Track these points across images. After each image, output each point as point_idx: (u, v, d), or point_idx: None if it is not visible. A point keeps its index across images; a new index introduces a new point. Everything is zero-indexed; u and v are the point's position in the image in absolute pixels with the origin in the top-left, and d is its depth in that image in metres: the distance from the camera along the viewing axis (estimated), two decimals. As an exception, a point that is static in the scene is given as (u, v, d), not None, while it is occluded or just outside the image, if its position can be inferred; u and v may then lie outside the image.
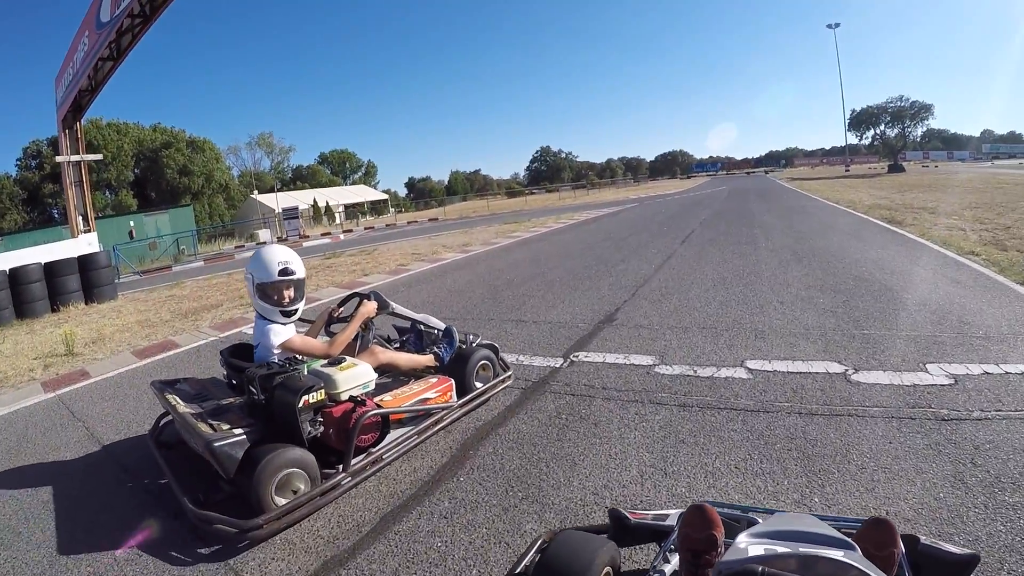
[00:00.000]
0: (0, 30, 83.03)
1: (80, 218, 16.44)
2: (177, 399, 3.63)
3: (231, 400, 3.63)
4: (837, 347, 4.66)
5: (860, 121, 61.67)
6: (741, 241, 11.42)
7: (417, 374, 4.23)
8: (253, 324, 3.87)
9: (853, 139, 65.39)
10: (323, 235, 32.72)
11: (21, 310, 12.04)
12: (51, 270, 12.70)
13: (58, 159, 17.47)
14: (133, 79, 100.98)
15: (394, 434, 3.55)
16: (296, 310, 3.77)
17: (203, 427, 3.14)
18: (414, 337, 4.70)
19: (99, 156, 21.71)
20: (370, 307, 4.09)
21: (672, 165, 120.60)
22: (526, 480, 3.12)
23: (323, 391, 3.22)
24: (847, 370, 4.17)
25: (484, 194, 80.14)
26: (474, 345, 4.52)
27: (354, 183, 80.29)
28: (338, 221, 48.18)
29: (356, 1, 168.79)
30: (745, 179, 62.31)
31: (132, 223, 34.30)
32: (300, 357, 3.69)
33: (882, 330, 4.99)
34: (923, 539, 1.87)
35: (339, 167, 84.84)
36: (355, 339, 4.14)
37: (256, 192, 55.99)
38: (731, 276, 7.92)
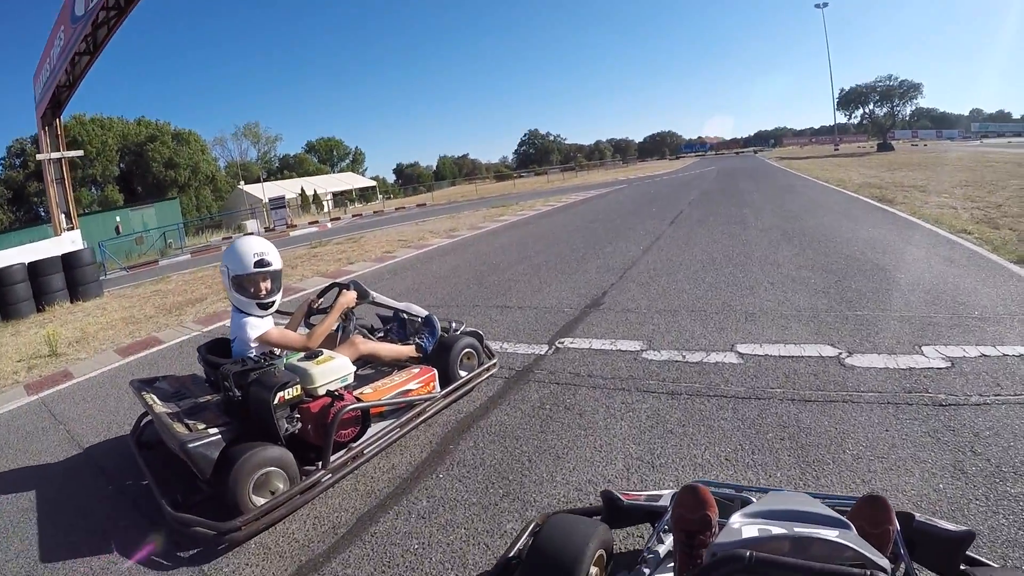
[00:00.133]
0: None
1: (63, 216, 16.22)
2: (155, 398, 3.55)
3: (208, 398, 3.56)
4: (830, 329, 4.55)
5: (849, 100, 61.62)
6: (730, 221, 11.30)
7: (400, 364, 4.14)
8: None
9: (842, 118, 65.37)
10: (311, 224, 32.58)
11: (6, 311, 11.88)
12: (35, 270, 12.51)
13: (39, 157, 17.23)
14: (115, 74, 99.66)
15: (375, 428, 3.47)
16: (273, 302, 3.68)
17: (178, 427, 3.06)
18: (397, 326, 4.61)
19: (80, 152, 21.41)
20: (349, 297, 4.01)
21: (661, 146, 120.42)
22: (507, 476, 3.00)
23: (299, 386, 3.13)
24: (840, 353, 4.05)
25: (473, 178, 79.82)
26: (458, 333, 4.44)
27: (342, 171, 79.60)
28: (326, 209, 47.84)
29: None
30: (734, 159, 62.09)
31: (118, 218, 33.92)
32: (278, 351, 3.61)
33: (875, 311, 4.88)
34: (918, 516, 1.85)
35: (326, 155, 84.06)
36: (336, 330, 4.08)
37: (243, 183, 55.55)
38: (720, 257, 7.81)
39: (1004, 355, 3.77)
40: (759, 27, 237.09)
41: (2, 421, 5.50)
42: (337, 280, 4.40)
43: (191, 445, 2.84)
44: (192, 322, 8.52)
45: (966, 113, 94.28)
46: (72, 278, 13.12)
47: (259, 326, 3.57)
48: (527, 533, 2.14)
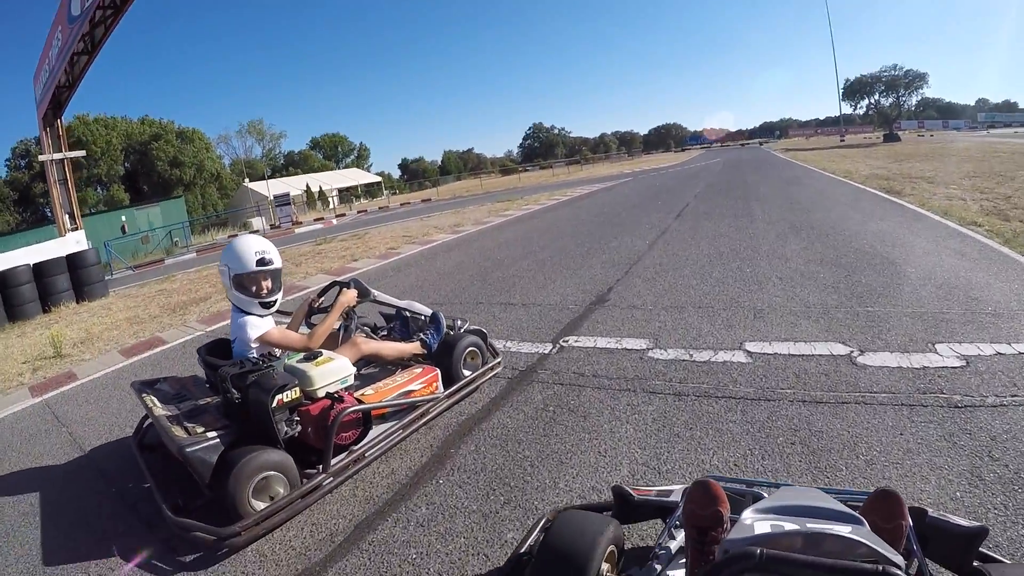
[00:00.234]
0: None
1: (67, 216, 16.24)
2: (155, 400, 3.53)
3: (208, 400, 3.53)
4: (840, 326, 4.43)
5: (854, 91, 61.06)
6: (737, 214, 11.15)
7: (404, 363, 4.09)
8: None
9: (847, 109, 64.69)
10: (316, 220, 32.47)
11: (12, 313, 11.91)
12: (40, 271, 12.55)
13: (40, 158, 17.29)
14: (118, 73, 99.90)
15: (377, 430, 3.41)
16: (275, 300, 3.66)
17: (177, 431, 3.04)
18: (400, 324, 4.56)
19: (82, 153, 21.43)
20: (350, 296, 3.96)
21: (666, 138, 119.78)
22: (509, 482, 2.92)
23: (298, 389, 3.09)
24: (852, 352, 3.93)
25: (478, 173, 79.62)
26: (461, 331, 4.38)
27: (347, 167, 79.61)
28: (332, 206, 47.91)
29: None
30: (739, 151, 61.77)
31: (124, 218, 34.08)
32: (278, 352, 3.58)
33: (887, 307, 4.76)
34: (931, 511, 1.83)
35: (331, 151, 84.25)
36: (338, 330, 4.02)
37: (248, 180, 55.64)
38: (728, 251, 7.69)
39: (1020, 353, 3.65)
40: (763, 18, 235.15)
41: (6, 423, 5.51)
42: (338, 279, 4.34)
43: (189, 449, 2.82)
44: (196, 321, 8.51)
45: (972, 103, 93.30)
46: (77, 278, 13.14)
47: (259, 326, 3.53)
48: (538, 529, 2.15)
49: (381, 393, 3.50)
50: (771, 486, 2.07)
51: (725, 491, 1.81)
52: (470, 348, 4.13)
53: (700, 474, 2.76)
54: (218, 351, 3.74)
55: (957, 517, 1.83)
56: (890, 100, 59.40)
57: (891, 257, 6.36)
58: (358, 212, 36.83)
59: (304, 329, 4.10)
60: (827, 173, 19.54)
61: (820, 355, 3.94)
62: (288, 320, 4.19)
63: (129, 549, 2.93)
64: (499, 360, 4.35)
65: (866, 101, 61.40)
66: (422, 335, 4.20)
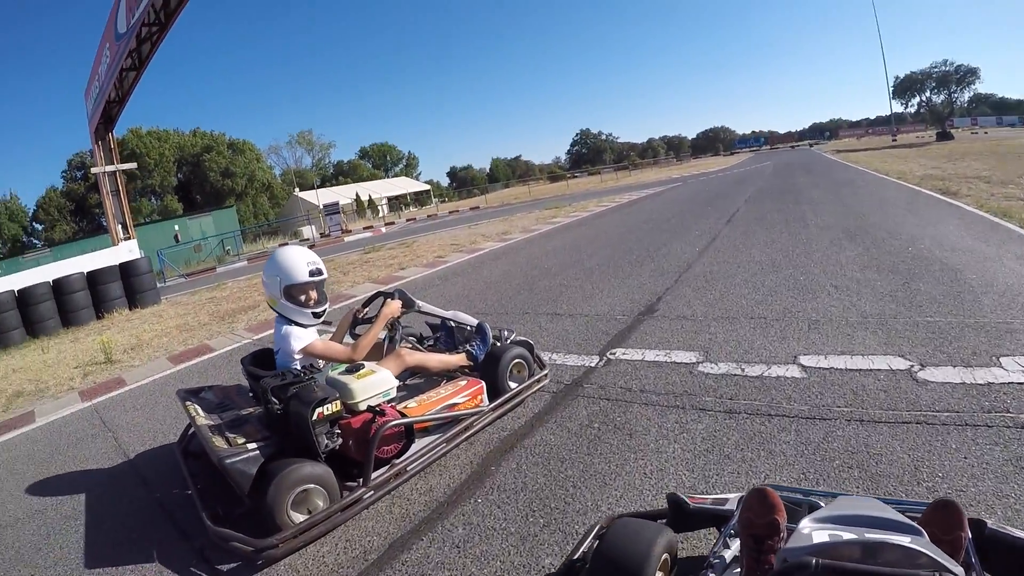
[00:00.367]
0: (42, 50, 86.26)
1: (119, 226, 16.72)
2: (198, 409, 3.56)
3: (251, 410, 3.54)
4: (899, 338, 4.16)
5: (904, 88, 59.29)
6: (789, 219, 10.76)
7: (450, 375, 4.04)
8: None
9: (898, 107, 62.90)
10: (365, 229, 32.90)
11: (66, 319, 12.38)
12: (94, 278, 13.02)
13: (93, 170, 17.86)
14: (170, 88, 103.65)
15: (419, 443, 3.36)
16: (324, 311, 3.67)
17: (218, 441, 3.06)
18: (445, 335, 4.52)
19: (133, 165, 22.09)
20: (394, 307, 3.91)
21: (714, 142, 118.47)
22: (550, 503, 2.81)
23: (339, 402, 3.06)
24: (912, 366, 3.67)
25: (526, 180, 79.44)
26: (508, 342, 4.30)
27: (396, 175, 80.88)
28: (382, 214, 48.56)
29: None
30: (789, 153, 60.26)
31: (177, 227, 35.04)
32: (321, 363, 3.60)
33: (947, 316, 4.47)
34: (990, 523, 1.75)
35: (380, 160, 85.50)
36: (383, 340, 4.00)
37: (298, 190, 56.80)
38: (780, 258, 7.40)
39: (1094, 367, 3.37)
40: (809, 16, 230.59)
41: (55, 427, 5.69)
42: (382, 289, 4.31)
43: (229, 461, 2.82)
44: (243, 330, 8.63)
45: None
46: (130, 286, 13.57)
47: (303, 337, 3.50)
48: (591, 536, 2.14)
49: (424, 406, 3.45)
50: (828, 496, 2.01)
51: (782, 500, 1.77)
52: (516, 360, 4.04)
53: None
54: (261, 361, 3.74)
55: (1018, 530, 1.75)
56: (941, 97, 57.55)
57: (950, 263, 6.01)
58: (407, 220, 37.14)
59: (348, 340, 4.07)
60: (880, 175, 18.84)
61: (878, 370, 3.70)
62: (332, 330, 4.18)
63: (163, 557, 2.97)
64: (546, 372, 4.24)
65: (917, 99, 59.67)
66: (468, 346, 4.15)
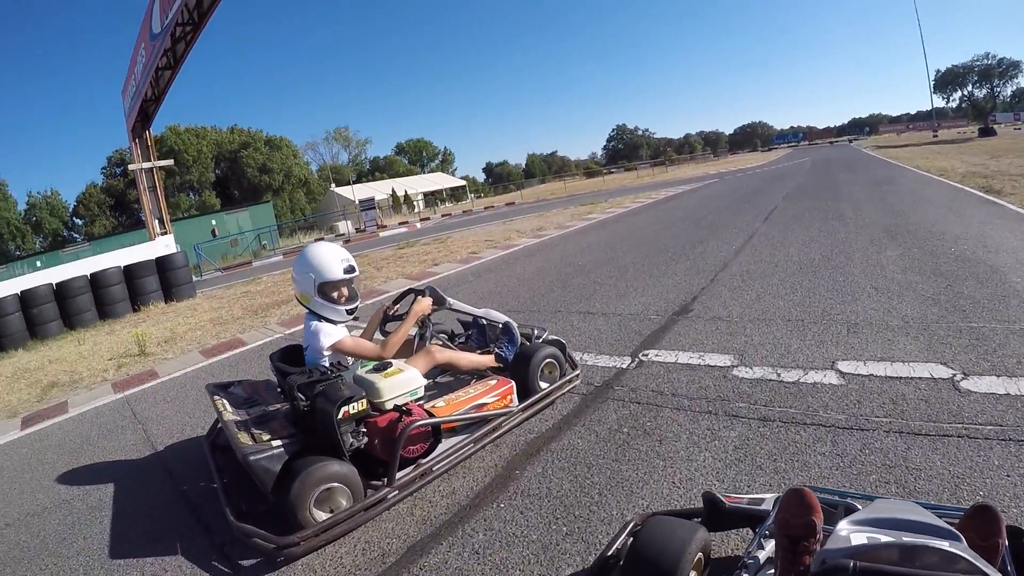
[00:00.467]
0: (84, 49, 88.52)
1: (156, 221, 17.05)
2: (226, 404, 3.57)
3: (278, 406, 3.54)
4: (942, 344, 3.97)
5: (946, 82, 58.06)
6: (828, 217, 10.50)
7: (480, 374, 4.00)
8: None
9: (939, 102, 61.55)
10: (400, 224, 33.08)
11: (103, 311, 12.68)
12: (131, 272, 13.31)
13: (131, 167, 18.24)
14: (207, 85, 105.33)
15: (446, 443, 3.32)
16: (356, 307, 3.68)
17: (243, 437, 3.06)
18: (477, 333, 4.47)
19: (170, 162, 22.44)
20: (424, 304, 3.88)
21: (752, 137, 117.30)
22: (574, 511, 2.73)
23: (365, 400, 3.03)
24: (955, 375, 3.49)
25: (562, 175, 79.16)
26: (540, 341, 4.22)
27: (432, 171, 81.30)
28: (417, 209, 48.82)
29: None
30: (828, 149, 59.13)
31: (214, 222, 35.52)
32: (350, 360, 3.63)
33: (992, 322, 4.25)
34: None
35: (416, 156, 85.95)
36: (415, 338, 3.98)
37: (334, 185, 57.38)
38: (819, 258, 7.20)
39: None
40: (848, 9, 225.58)
41: (87, 417, 5.81)
42: (413, 286, 4.26)
43: (253, 458, 2.82)
44: (276, 324, 8.72)
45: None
46: (166, 280, 13.86)
47: (332, 334, 3.50)
48: (625, 533, 2.14)
49: (452, 406, 3.40)
50: (865, 498, 2.00)
51: (819, 501, 1.75)
52: (548, 360, 3.97)
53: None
54: (291, 357, 3.73)
55: None
56: (984, 91, 55.99)
57: (995, 265, 5.76)
58: (442, 216, 37.29)
59: (379, 336, 4.05)
60: (921, 171, 18.33)
61: (919, 378, 3.53)
62: (363, 326, 4.19)
63: (185, 551, 2.99)
64: (577, 372, 4.16)
65: (958, 93, 58.21)
66: (495, 347, 4.11)
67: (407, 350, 3.90)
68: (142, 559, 2.99)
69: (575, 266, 9.39)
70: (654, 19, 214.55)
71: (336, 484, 2.85)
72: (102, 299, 12.71)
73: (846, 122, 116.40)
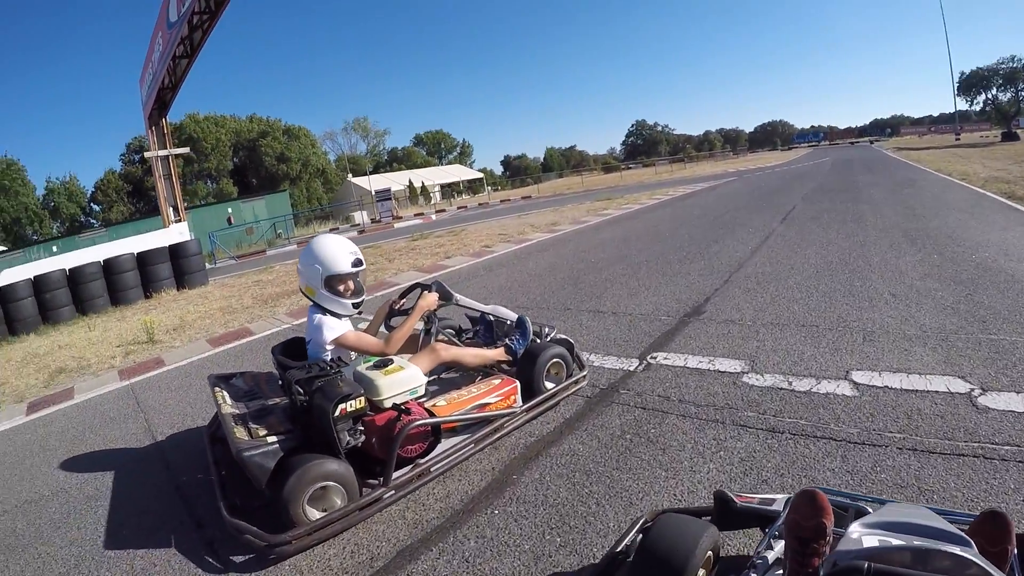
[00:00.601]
0: (104, 36, 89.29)
1: (171, 209, 17.16)
2: (225, 396, 3.54)
3: (277, 400, 3.48)
4: (960, 357, 3.82)
5: (970, 85, 57.12)
6: (847, 219, 10.31)
7: (485, 371, 3.94)
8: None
9: (963, 105, 60.55)
10: (416, 216, 33.11)
11: (115, 297, 12.76)
12: (144, 259, 13.39)
13: (146, 155, 18.40)
14: (228, 74, 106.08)
15: (446, 443, 3.26)
16: (362, 301, 3.63)
17: (239, 432, 3.01)
18: (484, 329, 4.40)
19: (185, 149, 22.56)
20: (430, 299, 3.82)
21: (772, 136, 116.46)
22: (569, 521, 2.64)
23: (363, 398, 2.97)
24: (972, 390, 3.34)
25: (580, 170, 78.99)
26: (548, 339, 4.15)
27: (449, 163, 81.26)
28: (434, 201, 48.82)
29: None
30: (849, 149, 58.41)
31: (230, 210, 35.67)
32: (353, 355, 3.59)
33: (1012, 335, 4.09)
34: None
35: (434, 148, 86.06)
36: (420, 333, 3.94)
37: (351, 175, 57.54)
38: (836, 261, 7.04)
39: None
40: (872, 9, 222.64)
41: (91, 404, 5.82)
42: (420, 280, 4.20)
43: (247, 454, 2.78)
44: (284, 314, 8.70)
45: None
46: (179, 267, 13.92)
47: (336, 328, 3.45)
48: (635, 529, 2.14)
49: (453, 405, 3.33)
50: (876, 502, 2.00)
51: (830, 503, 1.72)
52: (555, 359, 3.88)
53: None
54: (293, 350, 3.69)
55: None
56: (1008, 95, 55.06)
57: (1016, 274, 5.57)
58: (458, 208, 37.30)
59: (384, 331, 4.00)
60: (942, 175, 18.01)
61: (936, 391, 3.38)
62: (370, 318, 4.14)
63: (177, 544, 2.98)
64: (584, 373, 4.06)
65: (982, 96, 57.26)
66: (507, 340, 4.02)
67: (412, 346, 3.85)
68: (133, 551, 2.97)
69: (588, 263, 9.29)
70: (675, 16, 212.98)
71: (331, 483, 2.79)
72: (114, 285, 12.78)
73: (867, 123, 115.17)
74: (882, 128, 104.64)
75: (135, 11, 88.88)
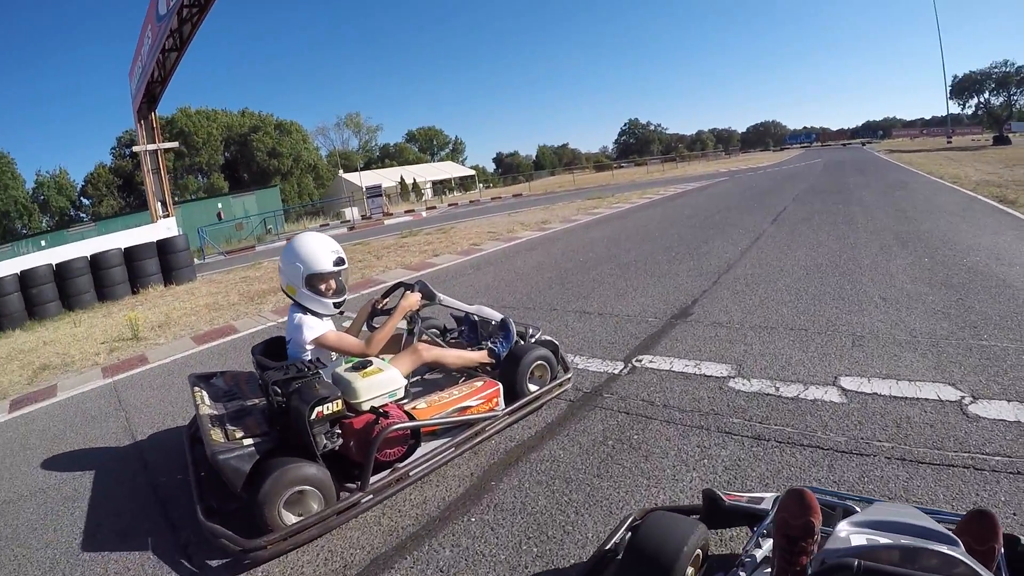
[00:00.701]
0: (94, 29, 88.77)
1: (159, 204, 17.04)
2: (204, 396, 3.49)
3: (256, 402, 3.42)
4: (951, 363, 3.76)
5: (962, 89, 57.56)
6: (838, 221, 10.30)
7: (468, 373, 3.87)
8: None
9: (955, 108, 60.92)
10: (406, 212, 32.92)
11: (102, 293, 12.63)
12: (131, 254, 13.27)
13: (135, 149, 18.27)
14: (219, 68, 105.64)
15: (426, 447, 3.20)
16: (344, 300, 3.56)
17: (215, 434, 2.95)
18: (468, 329, 4.34)
19: (175, 144, 22.44)
20: (413, 299, 3.74)
21: (765, 136, 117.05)
22: (547, 530, 2.57)
23: (340, 401, 2.89)
24: (963, 397, 3.29)
25: (572, 168, 78.82)
26: (532, 341, 4.08)
27: (442, 160, 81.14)
28: (425, 198, 48.71)
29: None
30: (841, 151, 58.51)
31: (220, 205, 35.49)
32: (334, 356, 3.52)
33: (1003, 340, 4.04)
34: None
35: (426, 144, 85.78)
36: (404, 334, 3.87)
37: (343, 171, 57.34)
38: (826, 263, 7.00)
39: None
40: (866, 11, 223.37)
41: (73, 402, 5.74)
42: (403, 280, 4.14)
43: (222, 457, 2.73)
44: (270, 312, 8.61)
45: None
46: (166, 263, 13.79)
47: (316, 328, 3.38)
48: (624, 527, 2.15)
49: (434, 408, 3.27)
50: (864, 501, 2.01)
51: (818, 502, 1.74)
52: (538, 361, 3.81)
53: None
54: (273, 349, 3.63)
55: None
56: (1000, 99, 55.38)
57: (1007, 278, 5.54)
58: (449, 205, 37.16)
59: (366, 331, 3.93)
60: (934, 178, 18.04)
61: (926, 399, 3.33)
62: (353, 316, 4.08)
63: (153, 547, 2.94)
64: (569, 376, 3.99)
65: (974, 100, 57.64)
66: (490, 343, 3.95)
67: (396, 346, 3.79)
68: (108, 554, 2.93)
69: (576, 262, 9.24)
70: (670, 15, 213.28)
71: (307, 487, 2.73)
72: (102, 281, 12.65)
73: (860, 124, 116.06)
74: (874, 130, 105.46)
75: (126, 4, 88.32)
